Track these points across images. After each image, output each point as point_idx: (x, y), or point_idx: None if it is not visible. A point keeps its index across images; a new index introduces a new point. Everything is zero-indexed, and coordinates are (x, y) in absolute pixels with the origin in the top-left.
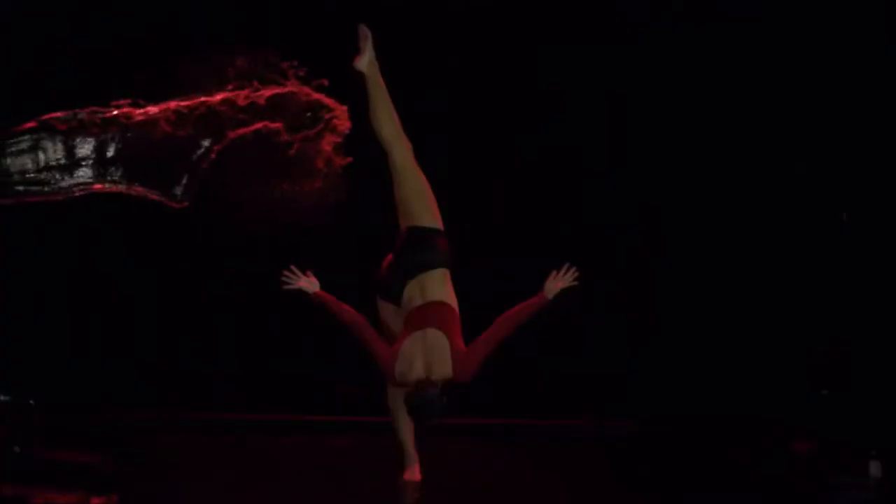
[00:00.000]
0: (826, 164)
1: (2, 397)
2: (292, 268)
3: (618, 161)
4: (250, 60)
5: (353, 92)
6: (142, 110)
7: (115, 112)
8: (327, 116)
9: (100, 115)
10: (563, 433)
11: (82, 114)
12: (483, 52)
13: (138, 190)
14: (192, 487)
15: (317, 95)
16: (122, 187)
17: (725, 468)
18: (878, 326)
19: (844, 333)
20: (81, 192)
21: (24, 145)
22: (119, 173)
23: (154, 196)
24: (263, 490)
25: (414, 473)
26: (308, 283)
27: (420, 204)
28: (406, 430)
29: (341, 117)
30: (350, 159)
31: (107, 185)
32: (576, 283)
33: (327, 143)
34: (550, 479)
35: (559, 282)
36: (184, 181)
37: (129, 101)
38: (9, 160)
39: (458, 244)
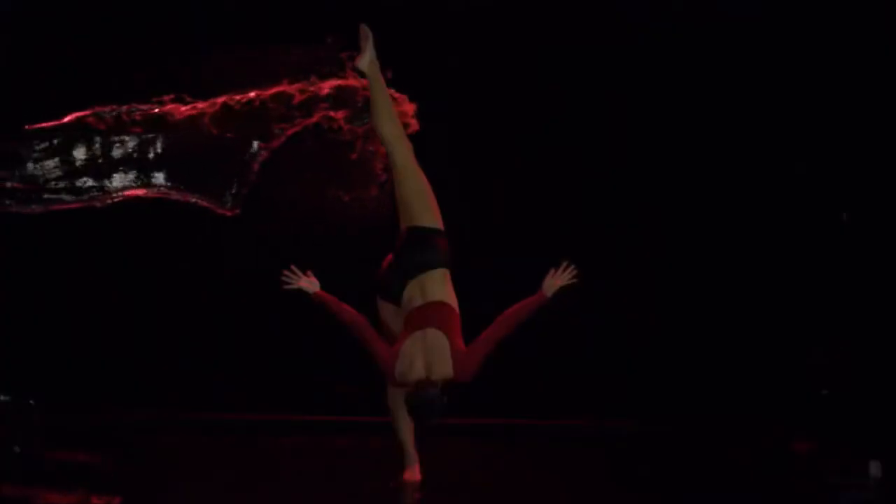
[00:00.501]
0: (826, 164)
1: (2, 397)
2: (292, 267)
3: (618, 161)
4: (306, 52)
5: (421, 90)
6: (187, 107)
7: (159, 109)
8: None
9: (142, 113)
10: (563, 433)
11: (121, 111)
12: (483, 52)
13: (185, 196)
14: (192, 487)
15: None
16: (166, 193)
17: (725, 468)
18: (878, 326)
19: (844, 333)
20: (120, 199)
21: (54, 147)
22: (163, 177)
23: (203, 203)
24: (263, 490)
25: (414, 473)
26: (308, 283)
27: (420, 204)
28: (406, 430)
29: (408, 113)
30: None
31: (150, 191)
32: (574, 280)
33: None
34: (550, 479)
35: (558, 280)
36: (234, 186)
37: (173, 96)
38: (35, 164)
39: (458, 244)
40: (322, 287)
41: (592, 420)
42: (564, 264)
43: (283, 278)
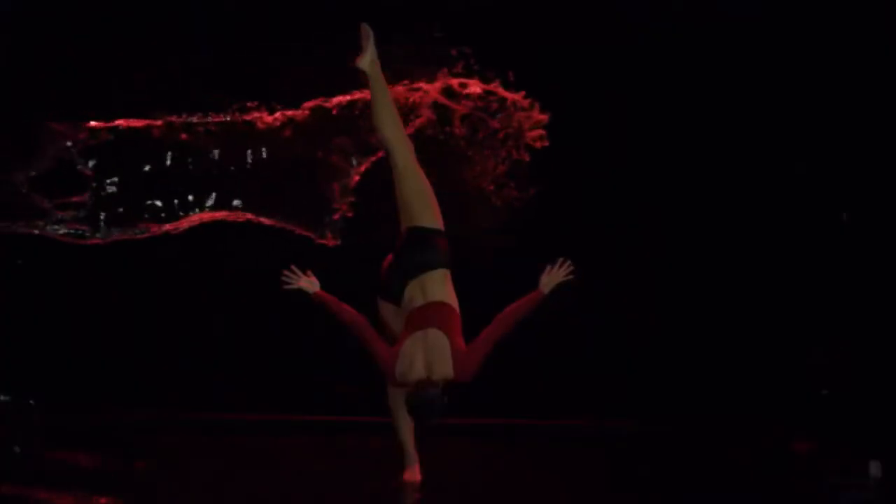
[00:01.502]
0: (826, 164)
1: (2, 397)
2: (293, 267)
3: (618, 161)
4: (412, 49)
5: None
6: (273, 116)
7: (241, 118)
8: (515, 126)
9: (220, 123)
10: (563, 433)
11: (194, 120)
12: (482, 52)
13: (276, 222)
14: (192, 487)
15: (511, 95)
16: (253, 217)
17: (725, 468)
18: (878, 326)
19: (844, 333)
20: (192, 224)
21: (115, 162)
22: (248, 199)
23: (301, 230)
24: (263, 490)
25: (414, 473)
26: (308, 283)
27: (420, 204)
28: (406, 430)
29: (533, 121)
30: (533, 190)
31: (231, 215)
32: (571, 276)
33: (502, 164)
34: (550, 479)
35: (554, 276)
36: (333, 209)
37: (256, 103)
38: (95, 188)
39: (458, 244)
40: (322, 287)
41: (592, 420)
42: (560, 260)
43: (283, 278)
